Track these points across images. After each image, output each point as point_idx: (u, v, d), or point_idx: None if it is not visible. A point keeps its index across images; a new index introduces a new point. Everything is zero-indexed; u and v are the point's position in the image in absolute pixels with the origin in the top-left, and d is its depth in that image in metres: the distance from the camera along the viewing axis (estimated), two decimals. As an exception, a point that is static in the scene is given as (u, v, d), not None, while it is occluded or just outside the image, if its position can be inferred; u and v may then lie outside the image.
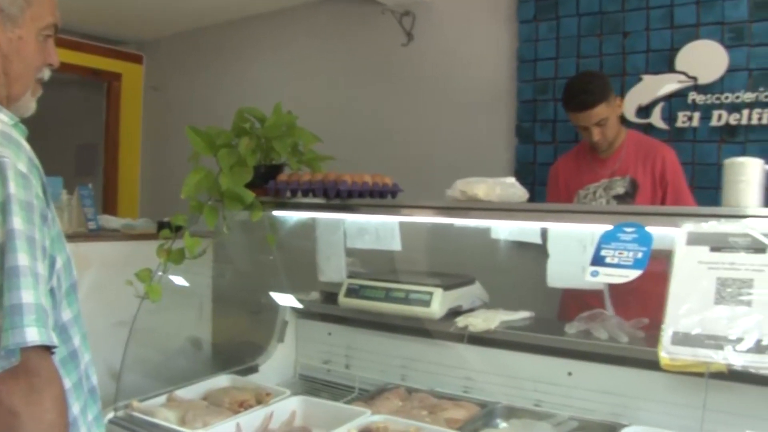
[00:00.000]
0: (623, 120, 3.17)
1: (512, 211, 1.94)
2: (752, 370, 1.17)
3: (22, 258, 1.05)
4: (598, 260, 1.44)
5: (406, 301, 2.26)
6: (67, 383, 1.20)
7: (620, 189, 2.71)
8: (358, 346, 2.57)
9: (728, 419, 1.77)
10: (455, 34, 4.01)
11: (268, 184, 2.35)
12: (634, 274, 1.40)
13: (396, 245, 2.28)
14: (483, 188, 1.90)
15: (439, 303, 2.19)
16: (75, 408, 1.21)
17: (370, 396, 2.29)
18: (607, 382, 2.01)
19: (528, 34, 3.69)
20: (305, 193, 2.30)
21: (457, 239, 2.26)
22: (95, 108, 5.91)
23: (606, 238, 1.48)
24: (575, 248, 1.71)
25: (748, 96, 3.07)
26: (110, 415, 2.08)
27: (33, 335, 1.03)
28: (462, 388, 2.29)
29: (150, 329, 2.43)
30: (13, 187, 1.07)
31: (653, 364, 1.63)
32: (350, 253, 2.51)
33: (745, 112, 3.08)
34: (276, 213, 2.50)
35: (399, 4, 4.11)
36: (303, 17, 4.75)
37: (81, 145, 6.14)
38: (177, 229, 2.35)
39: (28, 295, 1.04)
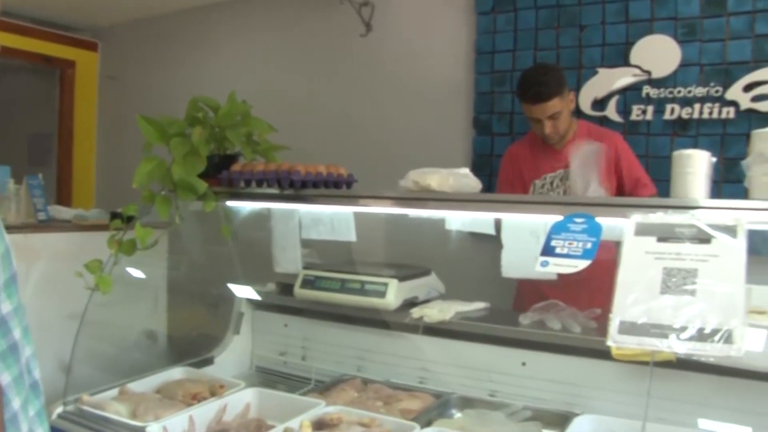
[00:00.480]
0: (576, 112, 3.21)
1: (465, 202, 1.94)
2: (695, 358, 1.20)
3: None
4: (548, 250, 1.46)
5: (361, 292, 2.26)
6: (6, 378, 1.16)
7: None
8: (315, 337, 2.56)
9: (677, 406, 1.81)
10: (414, 25, 4.01)
11: (222, 174, 2.32)
12: (583, 264, 1.41)
13: (351, 236, 2.27)
14: (436, 179, 1.90)
15: (394, 294, 2.19)
16: (15, 403, 1.17)
17: (325, 387, 2.29)
18: (561, 372, 2.04)
19: (486, 25, 3.71)
20: (259, 184, 2.27)
21: (413, 230, 2.26)
22: (48, 96, 5.76)
23: (556, 229, 1.49)
24: (528, 239, 1.72)
25: (700, 90, 3.13)
26: (59, 409, 2.04)
27: None
28: (418, 378, 2.30)
29: (103, 322, 2.39)
30: None
31: (605, 354, 1.66)
32: (306, 244, 2.49)
33: (697, 106, 3.14)
34: (230, 203, 2.47)
35: (358, -6, 4.09)
36: (261, 6, 4.70)
37: (33, 134, 5.98)
38: (128, 220, 2.31)
39: None
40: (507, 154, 3.17)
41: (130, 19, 5.44)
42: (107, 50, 5.77)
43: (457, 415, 2.07)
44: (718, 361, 1.19)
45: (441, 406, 2.09)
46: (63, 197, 5.48)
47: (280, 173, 2.19)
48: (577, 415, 1.90)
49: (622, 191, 2.85)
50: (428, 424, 1.90)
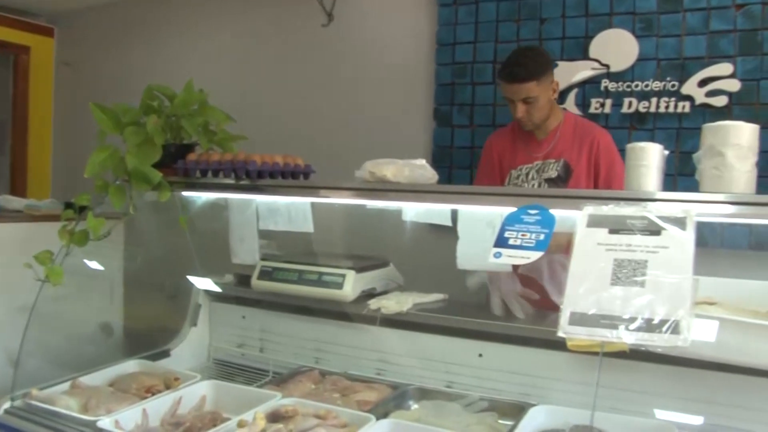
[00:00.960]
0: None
1: (421, 193, 1.93)
2: (644, 348, 1.21)
3: None
4: (501, 242, 1.46)
5: (319, 283, 2.25)
6: None
7: (553, 173, 2.68)
8: (272, 329, 2.54)
9: (631, 396, 1.84)
10: (375, 16, 4.00)
11: (177, 164, 2.28)
12: (535, 255, 1.42)
13: (309, 227, 2.25)
14: (392, 169, 1.89)
15: (351, 285, 2.19)
16: None
17: (282, 379, 2.27)
18: (517, 363, 2.06)
19: (447, 17, 3.71)
20: (215, 174, 2.24)
21: (371, 221, 2.25)
22: (2, 82, 5.62)
23: (509, 220, 1.49)
24: (484, 230, 1.72)
25: (657, 85, 3.17)
26: (6, 404, 1.99)
27: None
28: (375, 370, 2.29)
29: (54, 314, 2.34)
30: None
31: (561, 345, 1.67)
32: (264, 235, 2.47)
33: (653, 100, 3.18)
34: (187, 194, 2.44)
35: (320, -16, 4.06)
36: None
37: (-13, 121, 5.84)
38: (81, 210, 2.26)
39: None
40: (486, 143, 3.07)
41: (86, 5, 5.33)
42: (63, 36, 5.64)
43: (414, 406, 2.07)
44: (666, 351, 1.21)
45: (398, 397, 2.09)
46: (17, 187, 5.35)
47: (236, 163, 2.16)
48: (532, 405, 1.91)
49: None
50: (385, 415, 1.90)
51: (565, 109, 3.16)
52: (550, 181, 2.71)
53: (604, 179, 2.73)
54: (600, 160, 2.75)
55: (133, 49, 5.09)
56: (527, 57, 2.76)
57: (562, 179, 2.64)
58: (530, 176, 2.80)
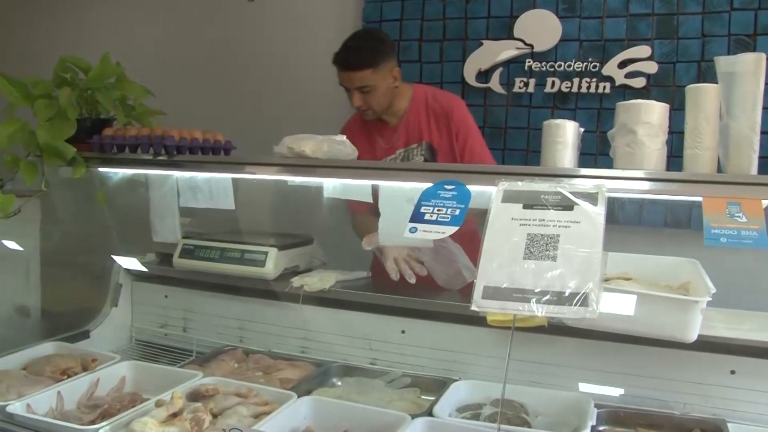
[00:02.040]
0: (461, 83, 3.22)
1: (340, 169, 1.93)
2: (554, 321, 1.24)
3: None
4: (417, 217, 1.47)
5: (241, 261, 2.23)
6: None
7: (419, 158, 2.54)
8: (196, 308, 2.51)
9: (551, 370, 1.90)
10: (302, -8, 3.95)
11: (93, 139, 2.21)
12: (450, 230, 1.43)
13: (230, 204, 2.21)
14: (311, 145, 1.87)
15: (273, 263, 2.17)
16: None
17: (205, 359, 2.25)
18: (439, 339, 2.09)
19: (375, -6, 3.69)
20: (132, 149, 2.18)
21: (293, 198, 2.24)
22: None
23: (426, 195, 1.50)
24: (405, 206, 1.72)
25: (579, 65, 3.24)
26: None
27: None
28: (300, 348, 2.29)
29: (-35, 296, 2.24)
30: None
31: (481, 321, 1.70)
32: (185, 212, 2.42)
33: (576, 80, 3.25)
34: (104, 170, 2.36)
35: (245, -42, 3.98)
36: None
37: None
38: (-10, 186, 2.16)
39: None
40: (347, 126, 2.78)
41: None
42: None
43: (338, 383, 2.08)
44: (575, 324, 1.24)
45: (321, 375, 2.09)
46: None
47: (153, 138, 2.10)
48: (454, 380, 1.94)
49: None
50: (308, 393, 1.90)
51: (412, 83, 2.88)
52: None
53: (460, 152, 2.61)
54: (459, 133, 2.62)
55: (45, 19, 4.86)
56: (365, 42, 2.56)
57: (429, 162, 2.50)
58: None
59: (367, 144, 2.65)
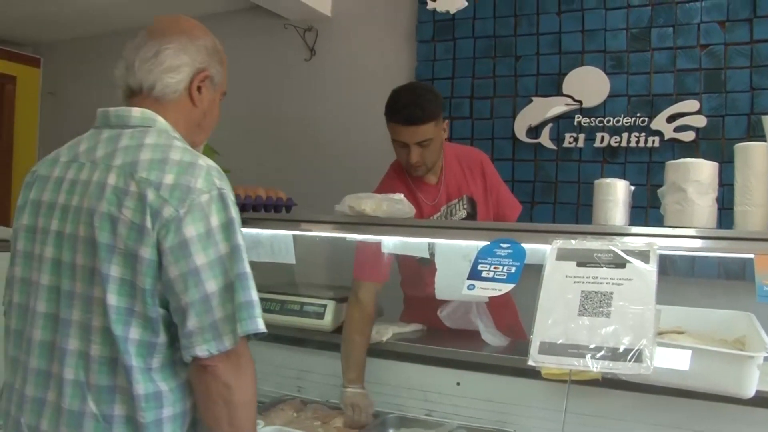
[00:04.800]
0: (512, 138, 3.29)
1: (398, 227, 2.00)
2: (609, 376, 1.28)
3: (247, 266, 1.36)
4: (474, 274, 1.53)
5: (300, 313, 2.30)
6: None
7: (462, 212, 2.49)
8: (255, 358, 2.56)
9: (604, 423, 1.91)
10: (356, 51, 4.09)
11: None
12: (507, 287, 1.49)
13: (290, 258, 2.30)
14: (370, 204, 1.96)
15: (332, 315, 2.24)
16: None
17: (265, 407, 2.30)
18: (494, 391, 2.12)
19: (426, 53, 3.81)
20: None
21: (351, 253, 2.31)
22: (-13, 112, 5.63)
23: (483, 253, 1.57)
24: (460, 262, 1.78)
25: (627, 120, 3.28)
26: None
27: (262, 325, 1.38)
28: (356, 399, 2.33)
29: None
30: (233, 212, 1.38)
31: (536, 374, 1.75)
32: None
33: (625, 135, 3.29)
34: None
35: (302, 20, 4.16)
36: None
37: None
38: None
39: (255, 293, 1.37)
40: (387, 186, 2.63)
41: (72, 36, 5.37)
42: (49, 66, 5.67)
43: (394, 434, 2.12)
44: (629, 378, 1.28)
45: (378, 425, 2.14)
46: (2, 216, 5.33)
47: (221, 197, 2.21)
48: (510, 433, 1.97)
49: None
50: (365, 443, 1.95)
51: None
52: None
53: (495, 202, 2.63)
54: (492, 185, 2.64)
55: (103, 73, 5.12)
56: (423, 97, 2.48)
57: (472, 216, 2.47)
58: None
59: (414, 201, 2.56)
